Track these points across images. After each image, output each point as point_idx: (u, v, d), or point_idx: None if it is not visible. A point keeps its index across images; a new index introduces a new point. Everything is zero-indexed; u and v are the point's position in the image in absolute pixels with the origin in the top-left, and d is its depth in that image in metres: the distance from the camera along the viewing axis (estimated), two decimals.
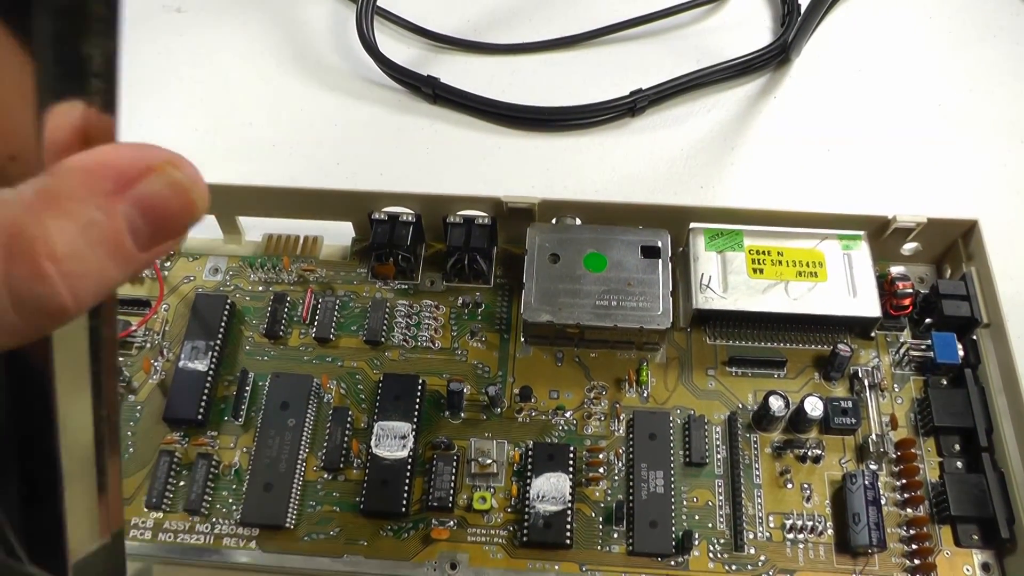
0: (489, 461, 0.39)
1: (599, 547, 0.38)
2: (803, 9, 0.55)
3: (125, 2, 0.61)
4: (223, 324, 0.42)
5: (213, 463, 0.39)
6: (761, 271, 0.41)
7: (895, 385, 0.41)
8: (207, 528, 0.39)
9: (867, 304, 0.41)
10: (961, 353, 0.40)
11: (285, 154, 0.54)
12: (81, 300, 0.16)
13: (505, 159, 0.54)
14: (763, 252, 0.42)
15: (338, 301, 0.44)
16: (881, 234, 0.43)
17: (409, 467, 0.39)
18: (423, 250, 0.46)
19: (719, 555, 0.38)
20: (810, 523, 0.38)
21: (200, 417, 0.40)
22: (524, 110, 0.55)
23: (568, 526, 0.37)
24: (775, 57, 0.57)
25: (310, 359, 0.43)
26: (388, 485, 0.38)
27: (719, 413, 0.41)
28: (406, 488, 0.38)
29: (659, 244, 0.42)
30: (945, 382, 0.41)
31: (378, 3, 0.59)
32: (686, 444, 0.40)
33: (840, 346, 0.40)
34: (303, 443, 0.40)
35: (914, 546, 0.37)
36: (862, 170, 0.53)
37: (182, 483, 0.39)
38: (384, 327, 0.43)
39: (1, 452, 0.19)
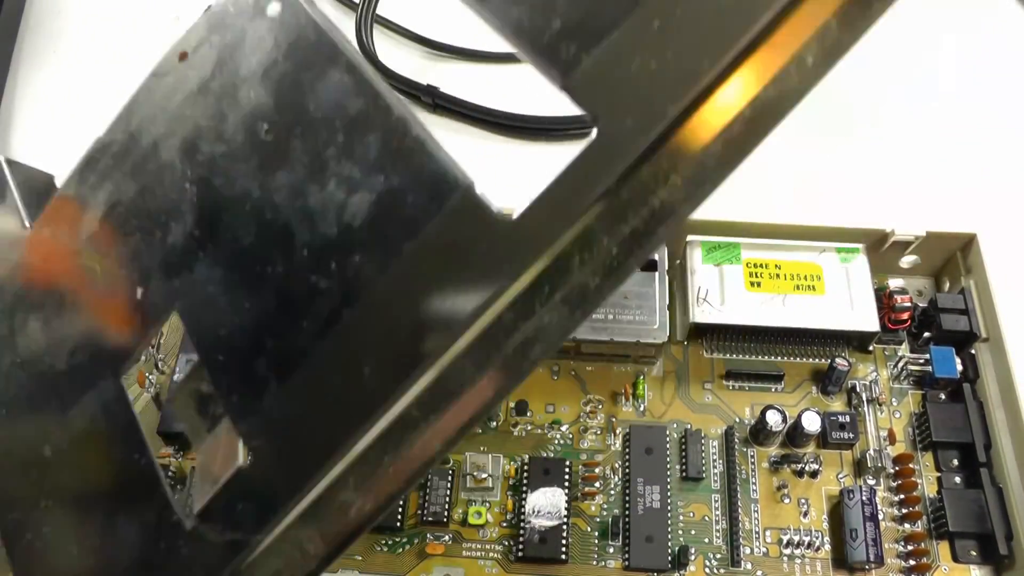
0: (485, 475, 0.39)
1: (595, 562, 0.38)
2: None
3: (123, 12, 0.61)
4: None
5: None
6: (759, 284, 0.41)
7: (893, 399, 0.41)
8: None
9: (865, 318, 0.40)
10: (959, 367, 0.40)
11: None
12: None
13: (505, 169, 0.54)
14: (761, 265, 0.42)
15: None
16: (879, 247, 0.42)
17: None
18: None
19: (715, 570, 0.37)
20: (807, 538, 0.38)
21: None
22: (524, 119, 0.54)
23: (564, 541, 0.37)
24: None
25: None
26: None
27: (716, 427, 0.41)
28: (401, 502, 0.38)
29: (656, 257, 0.42)
30: (943, 397, 0.41)
31: (377, 11, 0.59)
32: (683, 458, 0.40)
33: (838, 360, 0.40)
34: None
35: (912, 562, 0.37)
36: (861, 182, 0.53)
37: (176, 496, 0.39)
38: None
39: None
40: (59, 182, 0.32)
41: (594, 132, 0.20)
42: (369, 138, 0.24)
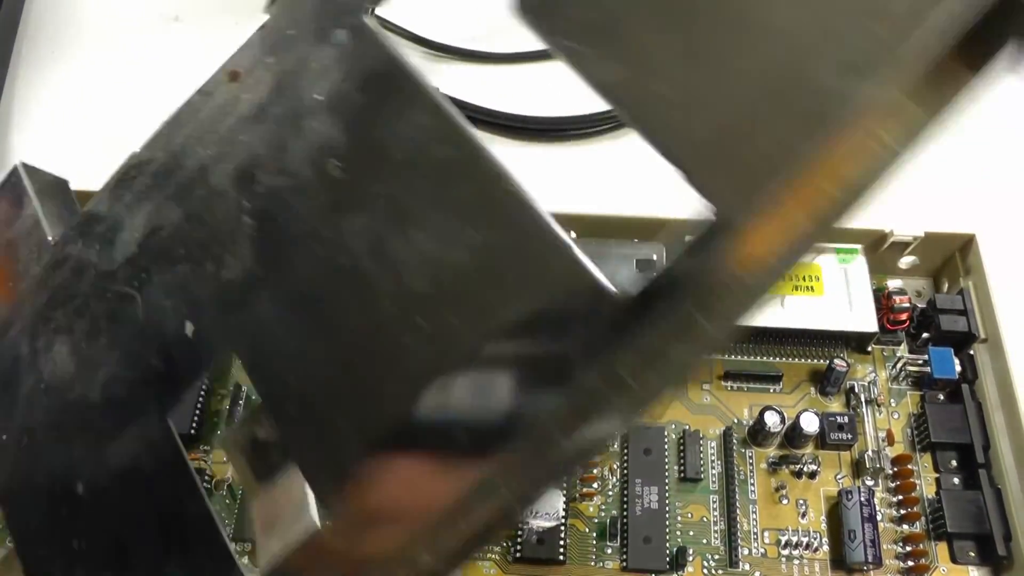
0: None
1: (593, 563, 0.38)
2: None
3: (122, 11, 0.61)
4: None
5: (206, 478, 0.39)
6: None
7: (892, 400, 0.41)
8: None
9: (864, 318, 0.40)
10: (958, 368, 0.40)
11: None
12: None
13: None
14: None
15: None
16: (878, 248, 0.42)
17: None
18: None
19: (713, 571, 0.37)
20: (805, 539, 0.38)
21: (193, 432, 0.40)
22: (523, 120, 0.54)
23: (561, 542, 0.37)
24: None
25: None
26: None
27: (714, 428, 0.41)
28: None
29: (655, 258, 0.42)
30: (942, 397, 0.41)
31: (377, 12, 0.59)
32: (681, 459, 0.40)
33: (836, 361, 0.40)
34: None
35: (910, 563, 0.37)
36: None
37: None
38: None
39: None
40: (72, 186, 0.30)
41: (711, 215, 0.19)
42: (460, 190, 0.22)
